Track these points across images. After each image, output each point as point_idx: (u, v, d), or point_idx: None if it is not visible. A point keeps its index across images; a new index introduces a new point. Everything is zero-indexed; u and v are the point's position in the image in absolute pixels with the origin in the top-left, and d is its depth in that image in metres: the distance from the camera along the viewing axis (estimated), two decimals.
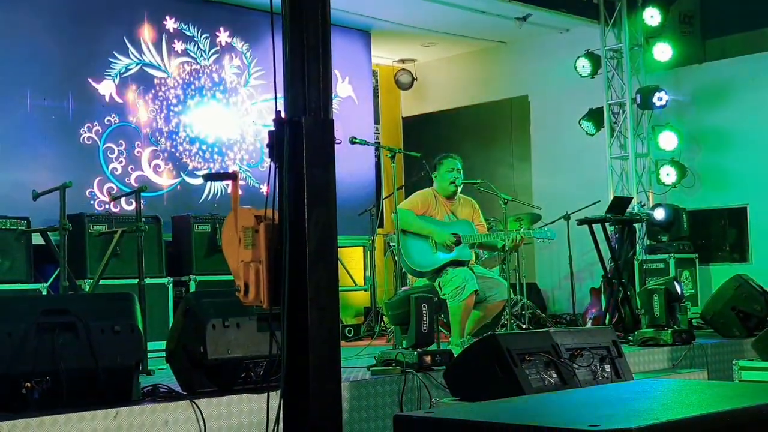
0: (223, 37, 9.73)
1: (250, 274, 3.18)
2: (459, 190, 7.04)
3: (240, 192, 3.52)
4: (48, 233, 7.02)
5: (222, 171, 9.06)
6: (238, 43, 9.83)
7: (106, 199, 8.58)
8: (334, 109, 10.40)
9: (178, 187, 9.21)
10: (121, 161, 8.86)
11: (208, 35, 9.62)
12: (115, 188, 8.65)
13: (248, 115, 9.86)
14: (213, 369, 4.50)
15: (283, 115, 3.13)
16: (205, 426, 4.29)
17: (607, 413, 2.47)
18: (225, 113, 9.69)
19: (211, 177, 8.18)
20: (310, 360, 3.04)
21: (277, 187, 3.13)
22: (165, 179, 9.13)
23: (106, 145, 8.77)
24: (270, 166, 3.24)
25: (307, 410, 3.09)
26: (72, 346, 4.23)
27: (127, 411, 4.12)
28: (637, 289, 8.74)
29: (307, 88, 3.09)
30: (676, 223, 10.02)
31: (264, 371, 4.51)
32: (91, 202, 8.52)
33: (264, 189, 2.85)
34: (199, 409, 4.29)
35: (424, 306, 5.37)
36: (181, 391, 4.53)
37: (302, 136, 3.06)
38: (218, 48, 9.70)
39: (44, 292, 7.04)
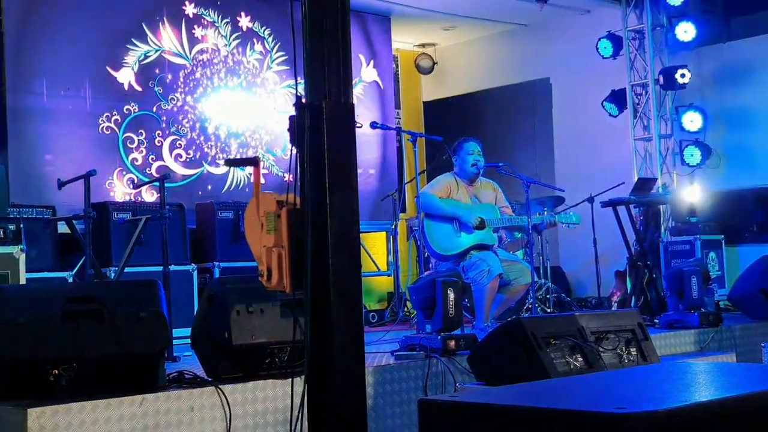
0: (245, 22, 9.64)
1: (272, 258, 3.18)
2: (480, 173, 7.01)
3: (263, 180, 3.52)
4: (73, 222, 7.06)
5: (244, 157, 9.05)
6: (260, 29, 9.75)
7: (127, 190, 8.57)
8: (358, 95, 10.40)
9: (200, 176, 9.18)
10: (142, 151, 8.81)
11: (228, 20, 9.52)
12: (136, 179, 8.62)
13: (271, 102, 9.80)
14: (238, 355, 4.52)
15: (303, 99, 3.13)
16: (230, 412, 4.30)
17: (633, 396, 2.45)
18: (247, 100, 9.62)
19: (233, 162, 8.19)
20: (334, 343, 3.04)
21: (299, 171, 3.12)
22: (187, 169, 9.10)
23: (125, 135, 8.72)
24: (291, 150, 3.24)
25: (331, 394, 3.09)
26: (98, 333, 4.25)
27: (153, 397, 4.14)
28: (663, 271, 8.68)
29: (327, 73, 3.08)
30: (704, 204, 9.92)
31: (288, 356, 4.52)
32: (111, 193, 8.49)
33: (288, 177, 2.86)
34: (224, 395, 4.31)
35: (450, 290, 5.35)
36: (206, 377, 4.55)
37: (323, 120, 3.05)
38: (240, 33, 9.61)
39: (70, 281, 7.09)
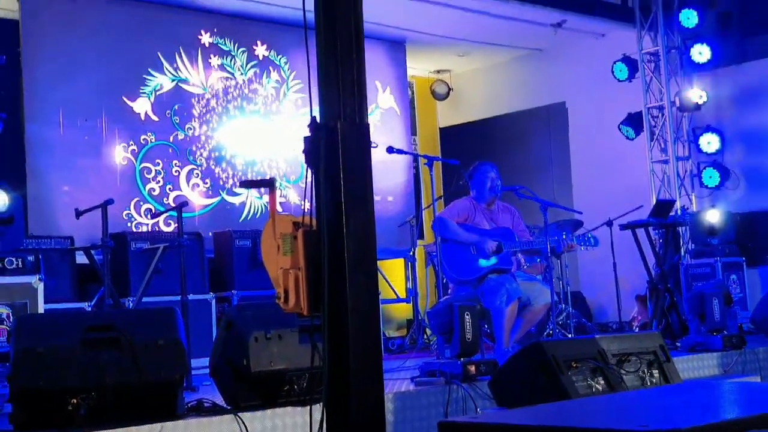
0: (261, 50, 9.68)
1: (289, 280, 3.17)
2: (498, 196, 6.99)
3: (279, 207, 3.52)
4: (91, 252, 7.07)
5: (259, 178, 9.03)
6: (276, 57, 9.78)
7: (145, 220, 8.57)
8: (375, 122, 10.42)
9: (218, 205, 9.18)
10: (159, 181, 8.82)
11: (245, 49, 9.55)
12: (153, 209, 8.63)
13: (287, 130, 9.81)
14: (256, 382, 4.49)
15: (318, 120, 3.12)
16: None
17: (657, 414, 2.41)
18: (263, 128, 9.64)
19: (248, 184, 8.20)
20: (352, 367, 3.01)
21: (314, 192, 3.11)
22: (204, 198, 9.10)
23: (142, 165, 8.74)
24: (306, 176, 3.23)
25: (350, 421, 3.06)
26: (117, 361, 4.24)
27: (172, 426, 4.12)
28: (684, 294, 8.60)
29: (342, 93, 3.08)
30: (724, 226, 9.84)
31: (307, 383, 4.49)
32: (129, 223, 8.48)
33: (306, 205, 2.85)
34: (243, 423, 4.28)
35: (467, 314, 5.31)
36: (225, 405, 4.52)
37: (338, 140, 3.04)
38: (256, 62, 9.64)
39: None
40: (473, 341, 5.34)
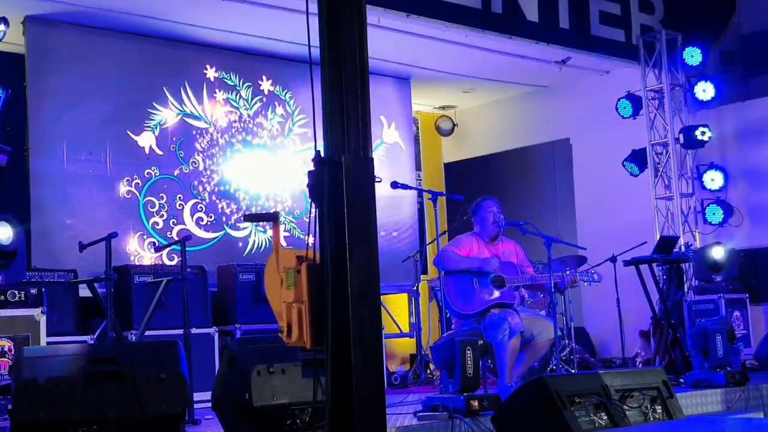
0: (266, 85, 9.70)
1: (292, 314, 3.17)
2: (501, 231, 7.00)
3: (283, 242, 3.53)
4: (94, 285, 7.08)
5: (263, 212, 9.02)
6: (282, 92, 9.82)
7: (148, 254, 8.56)
8: (380, 156, 10.41)
9: (221, 240, 9.17)
10: (162, 215, 8.80)
11: (250, 84, 9.57)
12: (157, 243, 8.61)
13: (292, 165, 9.82)
14: (259, 416, 4.48)
15: (322, 154, 3.14)
16: None
17: None
18: (268, 163, 9.63)
19: (252, 218, 8.21)
20: (355, 400, 3.00)
21: (318, 226, 3.12)
22: (207, 232, 9.10)
23: (146, 199, 8.73)
24: (311, 210, 3.25)
25: None
26: (119, 394, 4.25)
27: None
28: (687, 331, 8.58)
29: (346, 128, 3.10)
30: (728, 262, 9.83)
31: (310, 417, 4.48)
32: (132, 257, 8.46)
33: (311, 240, 2.86)
34: None
35: (469, 349, 5.31)
36: None
37: (342, 174, 3.06)
38: (261, 96, 9.65)
39: None
40: (474, 376, 5.33)
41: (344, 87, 3.11)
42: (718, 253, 9.76)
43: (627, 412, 4.47)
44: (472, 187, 11.44)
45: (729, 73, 10.94)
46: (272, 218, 3.49)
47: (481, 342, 5.47)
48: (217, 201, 9.21)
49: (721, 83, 10.47)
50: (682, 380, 7.17)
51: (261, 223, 9.32)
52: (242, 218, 9.17)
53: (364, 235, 3.07)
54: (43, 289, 6.36)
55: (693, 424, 3.14)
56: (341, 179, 3.06)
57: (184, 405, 4.49)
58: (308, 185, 3.17)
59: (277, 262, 3.28)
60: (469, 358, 5.28)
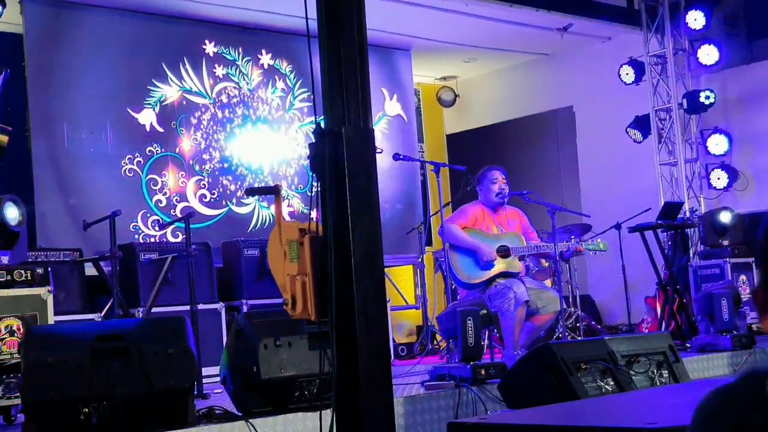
0: (266, 59, 9.63)
1: (296, 287, 3.17)
2: (506, 201, 6.99)
3: (286, 216, 3.53)
4: (100, 263, 7.09)
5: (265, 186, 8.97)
6: (282, 65, 9.76)
7: (152, 232, 8.54)
8: (383, 129, 10.35)
9: (225, 216, 9.16)
10: (165, 192, 8.77)
11: (249, 58, 9.51)
12: (161, 221, 8.60)
13: (294, 139, 9.80)
14: (267, 388, 4.51)
15: (323, 126, 3.14)
16: None
17: (665, 412, 2.41)
18: (270, 138, 9.60)
19: (254, 191, 8.16)
20: (360, 371, 3.02)
21: (320, 198, 3.12)
22: (211, 209, 9.07)
23: (149, 177, 8.70)
24: (312, 179, 3.25)
25: (359, 423, 3.06)
26: (126, 370, 4.26)
27: None
28: (693, 296, 8.59)
29: (346, 99, 3.09)
30: (733, 227, 9.81)
31: (317, 389, 4.51)
32: (136, 236, 8.43)
33: (314, 215, 2.85)
34: (255, 429, 4.29)
35: (470, 319, 5.32)
36: (236, 412, 4.54)
37: (343, 146, 3.06)
38: (261, 71, 9.61)
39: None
40: (475, 346, 5.35)
41: (343, 59, 3.10)
42: (725, 217, 9.74)
43: (633, 377, 4.48)
44: (475, 158, 11.40)
45: (733, 36, 10.86)
46: (274, 191, 3.49)
47: (484, 312, 5.47)
48: (220, 177, 9.18)
49: (724, 47, 10.40)
50: (688, 345, 7.19)
51: (264, 199, 9.30)
52: (244, 193, 9.14)
53: (365, 206, 3.07)
54: (49, 269, 6.37)
55: (699, 387, 3.15)
56: (342, 151, 3.05)
57: (193, 380, 4.51)
58: (309, 157, 3.17)
59: (279, 235, 3.28)
60: (470, 328, 5.30)
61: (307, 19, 3.16)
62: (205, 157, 9.10)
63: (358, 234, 3.03)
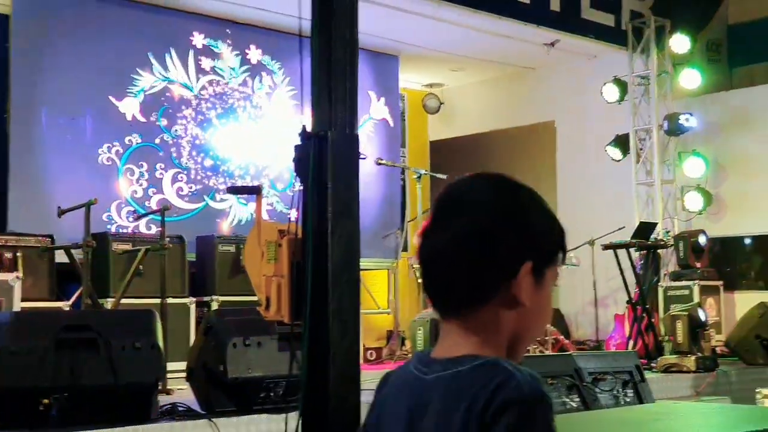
0: (255, 55, 9.49)
1: (272, 288, 3.16)
2: None
3: (266, 215, 3.51)
4: (71, 251, 7.01)
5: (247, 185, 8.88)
6: (270, 62, 9.66)
7: (126, 222, 8.41)
8: (368, 132, 10.25)
9: (202, 211, 9.04)
10: (142, 183, 8.62)
11: (238, 53, 9.38)
12: (136, 211, 8.46)
13: (277, 137, 9.67)
14: (233, 388, 4.48)
15: (308, 129, 3.13)
16: None
17: None
18: (253, 134, 9.43)
19: (235, 190, 8.12)
20: (331, 374, 3.01)
21: (301, 200, 3.11)
22: (187, 203, 8.98)
23: (126, 166, 8.58)
24: (295, 180, 3.23)
25: (326, 426, 3.05)
26: (92, 362, 4.22)
27: (144, 429, 4.10)
28: (661, 316, 8.66)
29: (334, 104, 3.09)
30: (704, 250, 9.90)
31: (284, 391, 4.49)
32: (109, 226, 8.27)
33: (293, 215, 2.84)
34: (218, 429, 4.26)
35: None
36: (200, 410, 4.51)
37: (327, 149, 3.05)
38: (249, 66, 9.46)
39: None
40: None
41: (333, 62, 3.10)
42: (703, 239, 9.84)
43: (599, 395, 4.50)
44: (456, 166, 11.41)
45: (714, 62, 10.96)
46: (255, 191, 3.48)
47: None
48: (199, 171, 9.05)
49: (706, 72, 10.50)
50: (653, 364, 7.24)
51: (243, 197, 9.20)
52: (225, 190, 9.04)
53: (346, 211, 3.07)
54: (18, 254, 6.30)
55: (661, 409, 3.17)
56: (326, 154, 3.05)
57: (158, 375, 4.48)
58: (294, 159, 3.16)
59: (258, 236, 3.27)
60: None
61: (300, 18, 3.15)
62: (185, 150, 8.98)
63: (337, 237, 3.03)
